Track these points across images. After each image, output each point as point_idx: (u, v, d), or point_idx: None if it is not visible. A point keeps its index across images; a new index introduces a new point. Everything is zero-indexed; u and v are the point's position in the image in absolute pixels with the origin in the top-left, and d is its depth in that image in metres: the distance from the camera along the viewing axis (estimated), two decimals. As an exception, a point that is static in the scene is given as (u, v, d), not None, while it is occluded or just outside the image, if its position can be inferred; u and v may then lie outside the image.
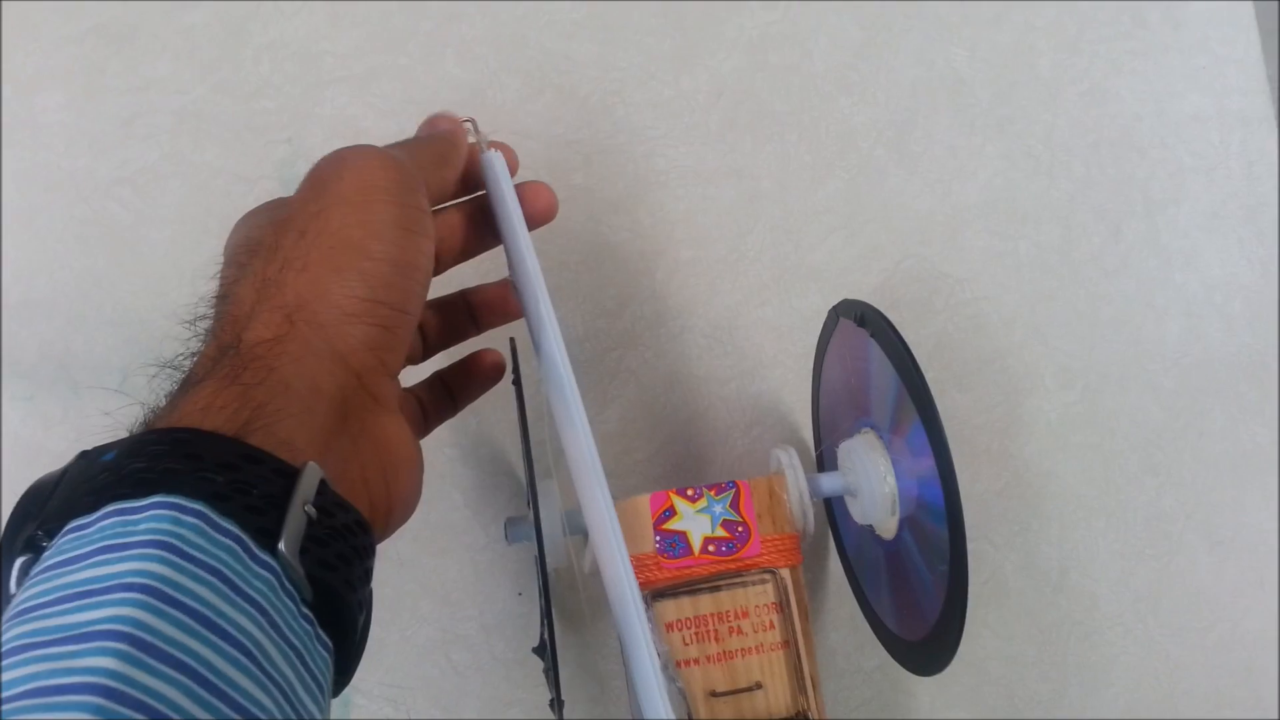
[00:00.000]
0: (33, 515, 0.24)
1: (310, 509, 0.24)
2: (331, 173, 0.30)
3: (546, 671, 0.41)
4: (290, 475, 0.24)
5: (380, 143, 0.34)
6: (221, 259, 0.32)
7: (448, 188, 0.36)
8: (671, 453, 0.55)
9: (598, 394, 0.55)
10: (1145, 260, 0.60)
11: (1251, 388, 0.60)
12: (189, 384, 0.26)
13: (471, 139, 0.38)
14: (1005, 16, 0.61)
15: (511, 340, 0.45)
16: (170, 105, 0.55)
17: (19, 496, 0.25)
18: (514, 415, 0.53)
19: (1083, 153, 0.61)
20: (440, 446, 0.54)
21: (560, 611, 0.53)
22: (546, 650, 0.39)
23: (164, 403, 0.27)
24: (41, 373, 0.53)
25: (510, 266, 0.38)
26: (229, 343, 0.27)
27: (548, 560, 0.41)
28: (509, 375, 0.43)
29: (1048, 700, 0.56)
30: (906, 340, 0.40)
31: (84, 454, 0.25)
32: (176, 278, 0.54)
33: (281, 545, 0.23)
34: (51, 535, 0.23)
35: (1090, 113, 0.61)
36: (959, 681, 0.55)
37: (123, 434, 0.26)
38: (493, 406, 0.55)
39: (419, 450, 0.32)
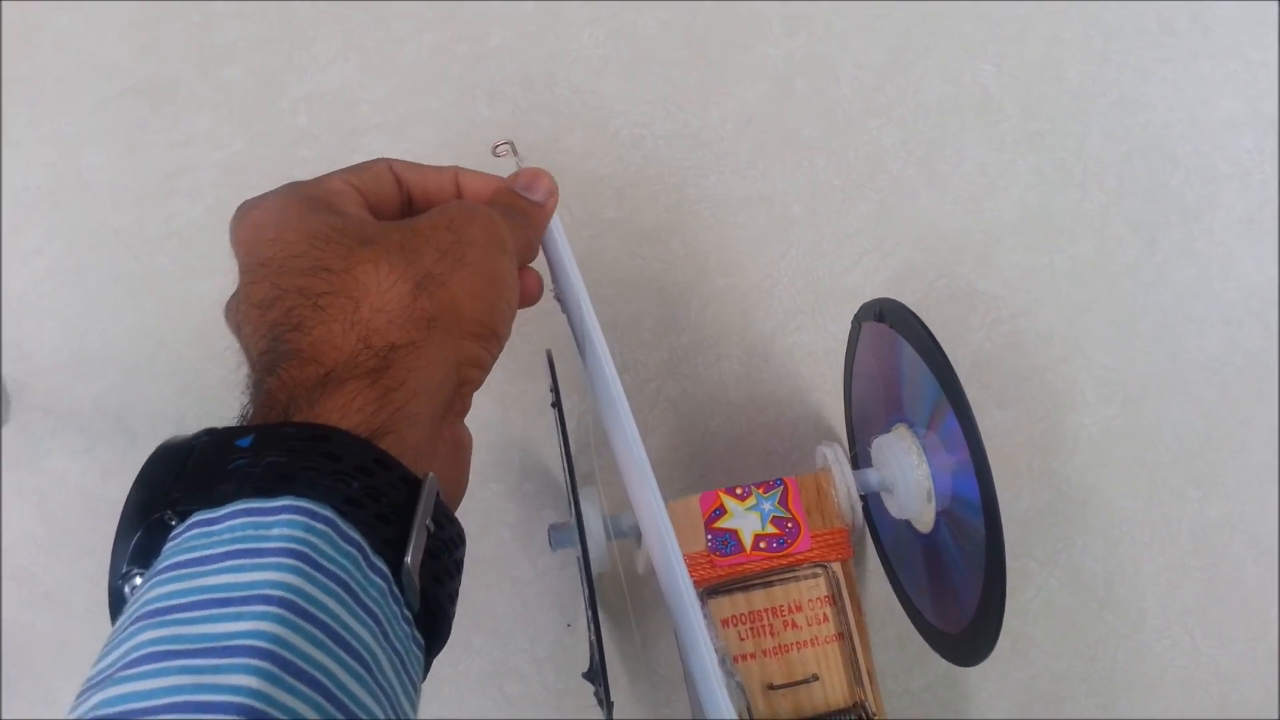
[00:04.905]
0: (165, 487, 0.24)
1: (430, 523, 0.25)
2: (463, 217, 0.32)
3: (596, 693, 0.42)
4: (414, 484, 0.25)
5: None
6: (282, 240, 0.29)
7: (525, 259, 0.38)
8: (713, 481, 0.56)
9: (638, 425, 0.56)
10: (1182, 269, 0.60)
11: (1295, 394, 0.59)
12: (328, 380, 0.26)
13: (510, 160, 0.39)
14: (1030, 30, 0.61)
15: (548, 353, 0.46)
16: (212, 159, 0.56)
17: (148, 458, 0.25)
18: (555, 449, 0.54)
19: (1115, 164, 0.60)
20: (485, 483, 0.55)
21: (604, 612, 0.54)
22: (594, 656, 0.40)
23: (276, 381, 0.26)
24: (98, 425, 0.54)
25: (554, 280, 0.38)
26: (374, 345, 0.27)
27: (592, 565, 0.42)
28: (549, 397, 0.44)
29: (1098, 716, 0.56)
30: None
31: (213, 431, 0.25)
32: (226, 328, 0.55)
33: (408, 559, 0.23)
34: (182, 518, 0.23)
35: (1121, 123, 0.61)
36: (1007, 698, 0.55)
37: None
38: (535, 441, 0.56)
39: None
